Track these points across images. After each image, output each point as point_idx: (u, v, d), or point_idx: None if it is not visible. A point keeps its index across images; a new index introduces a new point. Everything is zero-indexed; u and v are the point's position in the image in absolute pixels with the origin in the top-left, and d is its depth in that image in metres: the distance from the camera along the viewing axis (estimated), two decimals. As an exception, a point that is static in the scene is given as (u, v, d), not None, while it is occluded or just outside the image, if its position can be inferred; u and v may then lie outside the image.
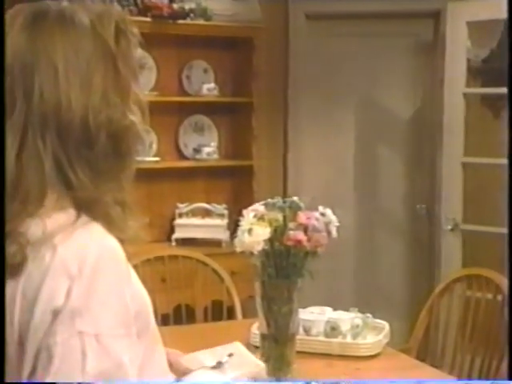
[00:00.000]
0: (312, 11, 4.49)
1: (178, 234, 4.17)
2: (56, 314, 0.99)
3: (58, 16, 1.10)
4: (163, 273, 3.19)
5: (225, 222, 4.19)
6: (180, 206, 4.24)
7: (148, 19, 3.98)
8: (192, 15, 4.07)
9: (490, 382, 2.28)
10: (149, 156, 4.21)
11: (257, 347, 2.28)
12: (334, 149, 4.64)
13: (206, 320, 3.26)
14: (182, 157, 4.38)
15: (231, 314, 3.12)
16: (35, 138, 1.03)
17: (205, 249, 3.68)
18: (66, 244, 1.01)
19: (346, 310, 2.59)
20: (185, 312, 3.23)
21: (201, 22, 4.10)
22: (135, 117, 1.16)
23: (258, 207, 2.11)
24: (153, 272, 3.07)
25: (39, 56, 1.05)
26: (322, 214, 2.08)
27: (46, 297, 0.99)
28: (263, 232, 2.02)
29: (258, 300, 2.11)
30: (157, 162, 4.19)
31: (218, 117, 4.43)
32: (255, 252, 2.03)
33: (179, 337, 2.58)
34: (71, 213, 1.05)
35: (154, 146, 4.31)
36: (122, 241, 1.06)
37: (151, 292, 3.11)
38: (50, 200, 1.05)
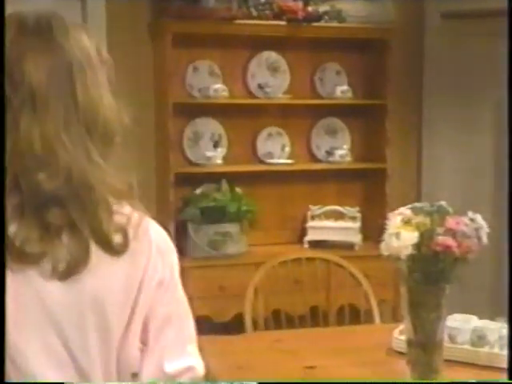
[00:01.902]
0: (448, 10, 4.44)
1: (311, 236, 4.23)
2: (160, 284, 1.23)
3: (78, 26, 1.23)
4: (298, 274, 3.21)
5: (357, 224, 4.22)
6: (312, 208, 4.29)
7: (282, 23, 4.07)
8: (326, 18, 4.15)
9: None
10: (282, 158, 4.33)
11: (400, 353, 2.31)
12: (470, 151, 4.58)
13: (339, 323, 3.28)
14: (315, 159, 4.43)
15: (366, 318, 3.13)
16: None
17: (337, 251, 3.70)
18: (151, 228, 1.24)
19: (485, 318, 2.56)
20: (315, 315, 3.28)
21: (334, 24, 4.16)
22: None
23: (405, 211, 2.09)
24: (288, 273, 3.13)
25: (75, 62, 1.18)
26: (472, 220, 2.07)
27: (151, 271, 1.22)
28: (411, 236, 2.01)
29: (405, 305, 2.10)
30: (290, 164, 4.28)
31: (351, 119, 4.45)
32: (402, 257, 2.02)
33: (318, 339, 2.73)
34: (125, 203, 1.22)
35: (287, 149, 4.39)
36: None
37: (286, 293, 3.23)
38: None
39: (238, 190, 4.13)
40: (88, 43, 1.21)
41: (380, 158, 4.28)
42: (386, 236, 2.08)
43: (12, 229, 1.12)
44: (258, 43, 4.24)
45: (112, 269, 1.18)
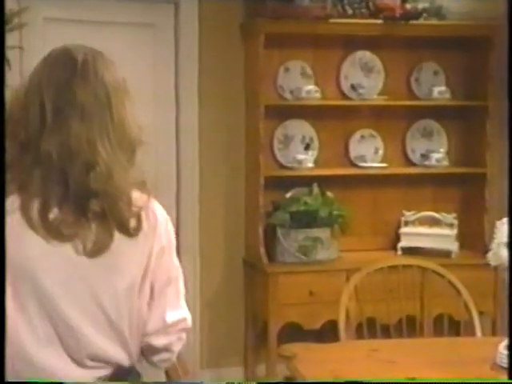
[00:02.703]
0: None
1: (404, 243, 4.19)
2: (162, 251, 1.61)
3: (110, 61, 1.64)
4: (393, 282, 3.14)
5: (454, 232, 4.17)
6: (406, 213, 4.25)
7: (378, 21, 4.08)
8: (425, 15, 4.06)
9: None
10: (375, 162, 4.29)
11: (505, 368, 2.20)
12: None
13: (436, 334, 3.24)
14: (410, 163, 4.38)
15: (465, 330, 3.07)
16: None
17: (432, 259, 3.56)
18: (156, 208, 1.61)
19: None
20: (410, 324, 3.21)
21: (433, 21, 4.11)
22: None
23: None
24: (382, 281, 3.08)
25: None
26: None
27: (157, 244, 1.60)
28: None
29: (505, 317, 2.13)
30: (383, 167, 4.25)
31: (449, 121, 4.39)
32: None
33: (417, 349, 2.64)
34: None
35: (380, 152, 4.36)
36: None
37: (380, 301, 3.13)
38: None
39: (329, 194, 4.12)
40: (118, 74, 1.60)
41: (479, 162, 4.21)
42: (493, 245, 2.07)
43: (54, 212, 1.50)
44: (352, 42, 4.23)
45: (129, 247, 1.55)
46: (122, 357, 1.58)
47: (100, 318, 1.55)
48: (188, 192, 4.11)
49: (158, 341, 1.63)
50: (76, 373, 1.53)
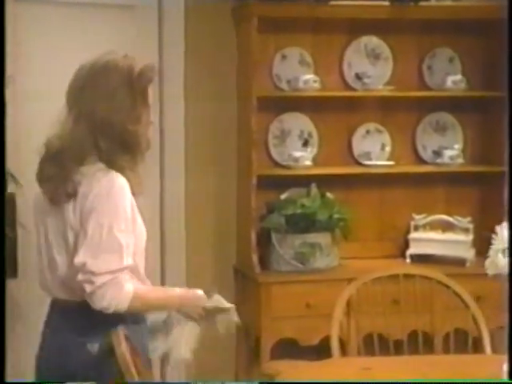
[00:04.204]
0: None
1: (414, 250, 4.09)
2: (91, 211, 2.05)
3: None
4: (397, 293, 3.09)
5: (469, 237, 4.08)
6: (416, 217, 4.14)
7: (385, 3, 3.96)
8: (437, -5, 3.98)
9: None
10: (382, 159, 4.20)
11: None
12: None
13: (446, 351, 3.15)
14: (420, 160, 4.29)
15: (477, 346, 2.96)
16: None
17: (445, 268, 3.60)
18: (105, 177, 2.06)
19: None
20: (421, 340, 3.10)
21: (448, 2, 4.01)
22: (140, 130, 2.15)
23: None
24: (385, 292, 3.02)
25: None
26: None
27: (95, 203, 2.05)
28: None
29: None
30: (390, 166, 4.16)
31: (465, 114, 4.29)
32: None
33: (415, 368, 2.56)
34: (101, 165, 2.10)
35: (388, 149, 4.26)
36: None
37: (382, 315, 3.01)
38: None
39: (330, 195, 4.05)
40: None
41: (498, 159, 4.03)
42: (491, 252, 2.09)
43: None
44: (357, 27, 4.14)
45: None
46: None
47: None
48: (173, 193, 4.05)
49: None
50: None
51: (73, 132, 2.05)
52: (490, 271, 2.04)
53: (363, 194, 4.19)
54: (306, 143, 4.15)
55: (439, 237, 4.06)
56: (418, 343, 3.06)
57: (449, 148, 4.17)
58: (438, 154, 4.19)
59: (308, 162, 4.02)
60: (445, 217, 4.09)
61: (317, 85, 3.97)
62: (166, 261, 3.99)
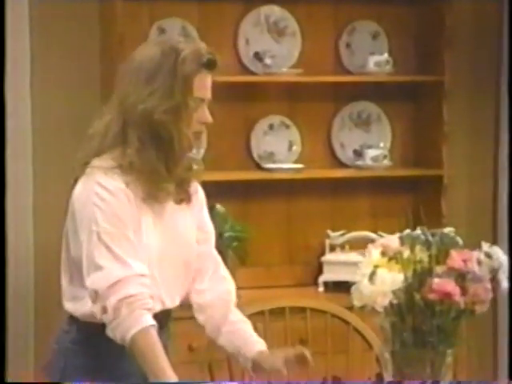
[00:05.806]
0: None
1: (328, 276, 3.87)
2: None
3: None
4: (303, 332, 2.82)
5: None
6: (332, 234, 3.93)
7: None
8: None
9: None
10: (289, 162, 4.00)
11: None
12: None
13: None
14: (337, 163, 4.10)
15: None
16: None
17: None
18: (102, 176, 2.07)
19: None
20: None
21: None
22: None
23: (391, 241, 2.03)
24: (289, 329, 2.80)
25: None
26: (488, 255, 1.97)
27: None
28: (393, 278, 1.90)
29: (388, 376, 1.98)
30: (300, 170, 3.95)
31: (392, 104, 4.11)
32: (379, 308, 1.91)
33: None
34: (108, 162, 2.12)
35: (296, 148, 4.04)
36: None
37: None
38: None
39: (220, 207, 3.72)
40: None
41: (434, 160, 3.98)
42: (357, 277, 1.98)
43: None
44: None
45: None
46: None
47: None
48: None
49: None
50: None
51: (103, 118, 2.12)
52: (357, 302, 1.90)
53: (266, 205, 4.02)
54: (191, 141, 3.78)
55: (360, 259, 3.58)
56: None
57: (373, 147, 4.02)
58: (359, 154, 4.03)
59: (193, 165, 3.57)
60: (368, 233, 3.81)
61: (203, 66, 3.66)
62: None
